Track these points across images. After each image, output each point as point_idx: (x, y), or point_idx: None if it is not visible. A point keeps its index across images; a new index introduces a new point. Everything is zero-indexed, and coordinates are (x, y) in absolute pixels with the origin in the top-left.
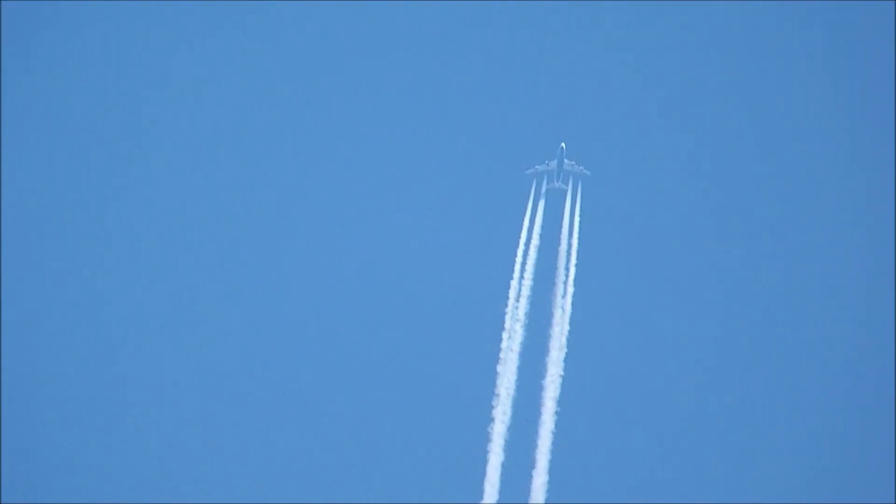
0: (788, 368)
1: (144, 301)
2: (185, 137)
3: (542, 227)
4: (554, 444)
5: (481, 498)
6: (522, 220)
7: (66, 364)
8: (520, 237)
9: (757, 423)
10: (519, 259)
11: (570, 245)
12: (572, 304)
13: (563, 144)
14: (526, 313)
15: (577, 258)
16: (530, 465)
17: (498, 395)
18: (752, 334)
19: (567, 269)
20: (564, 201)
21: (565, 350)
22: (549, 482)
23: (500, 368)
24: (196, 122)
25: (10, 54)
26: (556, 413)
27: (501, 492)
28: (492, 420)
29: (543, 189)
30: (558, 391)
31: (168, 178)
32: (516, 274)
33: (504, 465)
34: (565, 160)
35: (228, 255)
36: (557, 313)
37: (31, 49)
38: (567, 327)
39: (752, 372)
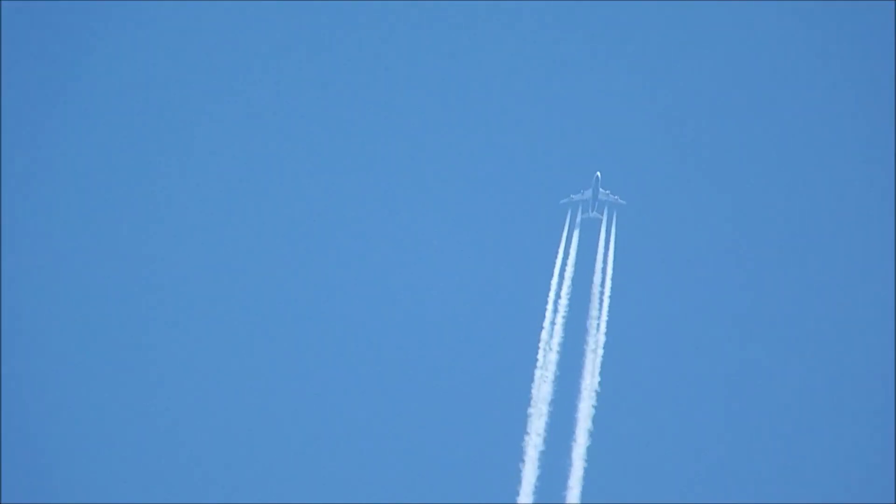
0: (811, 380)
1: (144, 302)
2: (193, 141)
3: (577, 257)
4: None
5: (516, 498)
6: (557, 249)
7: (66, 364)
8: (554, 267)
9: (781, 430)
10: (553, 289)
11: (604, 275)
12: (606, 333)
13: (598, 174)
14: (560, 342)
15: (612, 288)
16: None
17: (531, 417)
18: (786, 353)
19: (601, 299)
20: (599, 231)
21: (599, 378)
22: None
23: (534, 394)
24: (211, 126)
25: (10, 54)
26: (588, 445)
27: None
28: (524, 449)
29: (578, 219)
30: (591, 422)
31: (175, 181)
32: (551, 303)
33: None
34: (600, 189)
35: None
36: (591, 342)
37: (31, 49)
38: (601, 356)
39: (778, 385)
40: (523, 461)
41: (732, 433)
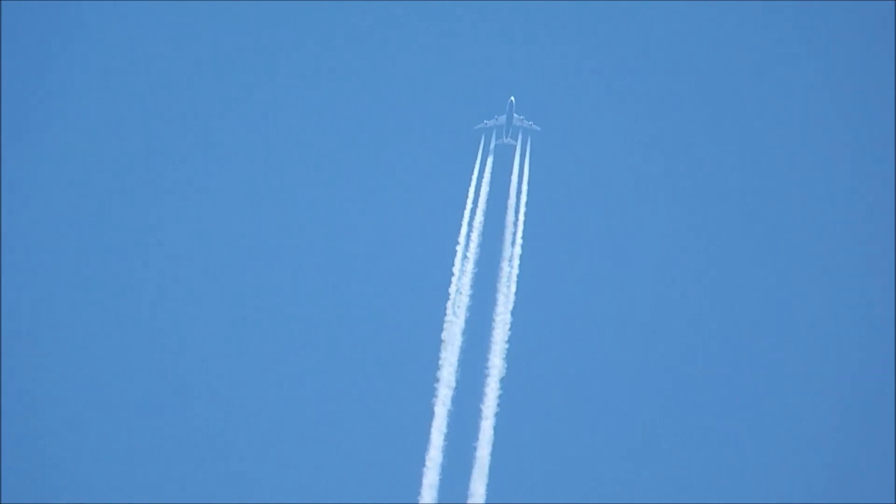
0: (753, 347)
1: (142, 301)
2: (192, 141)
3: (491, 184)
4: (497, 424)
5: (419, 498)
6: (470, 176)
7: (67, 364)
8: (467, 194)
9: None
10: (466, 216)
11: (518, 202)
12: (520, 261)
13: (512, 99)
14: (473, 270)
15: (526, 215)
16: (470, 462)
17: (442, 361)
18: (706, 298)
19: (515, 226)
20: (513, 157)
21: (511, 312)
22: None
23: (445, 327)
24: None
25: (10, 54)
26: (500, 387)
27: (440, 492)
28: (435, 393)
29: (492, 145)
30: (503, 362)
31: (174, 180)
32: (463, 231)
33: (443, 462)
34: (515, 115)
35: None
36: (505, 271)
37: (30, 49)
38: (514, 285)
39: (712, 346)
40: (434, 408)
41: (679, 417)
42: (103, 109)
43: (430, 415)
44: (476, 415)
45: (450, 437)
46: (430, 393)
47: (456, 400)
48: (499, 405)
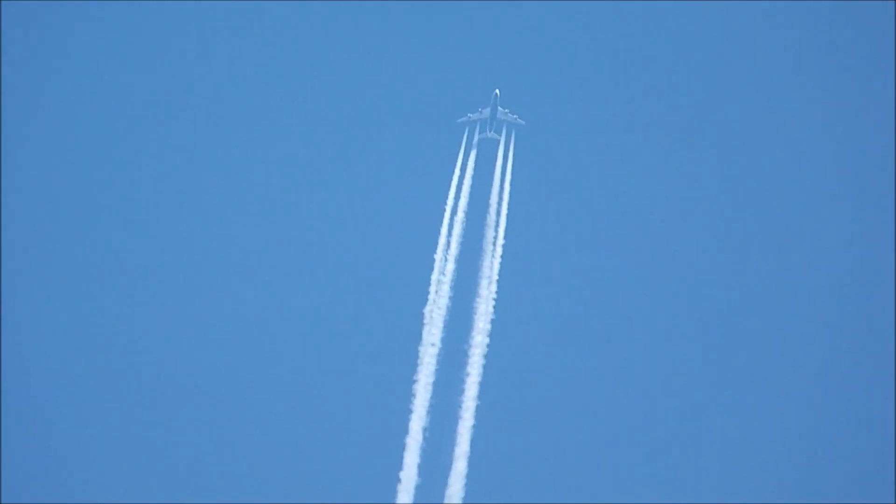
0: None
1: (140, 301)
2: (191, 141)
3: (473, 179)
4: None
5: (395, 498)
6: (453, 171)
7: (66, 364)
8: (449, 189)
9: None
10: (448, 212)
11: (500, 198)
12: (501, 258)
13: (497, 91)
14: (454, 267)
15: (508, 212)
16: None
17: (420, 356)
18: (692, 295)
19: (497, 223)
20: (497, 152)
21: (493, 308)
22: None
23: (425, 325)
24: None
25: (10, 54)
26: (480, 381)
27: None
28: (415, 381)
29: (476, 139)
30: (484, 357)
31: (172, 180)
32: (444, 228)
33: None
34: (499, 108)
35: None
36: (486, 266)
37: (31, 49)
38: (496, 281)
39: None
40: (413, 396)
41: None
42: (103, 109)
43: (407, 415)
44: (455, 415)
45: (428, 438)
46: (409, 392)
47: (434, 399)
48: (478, 405)
